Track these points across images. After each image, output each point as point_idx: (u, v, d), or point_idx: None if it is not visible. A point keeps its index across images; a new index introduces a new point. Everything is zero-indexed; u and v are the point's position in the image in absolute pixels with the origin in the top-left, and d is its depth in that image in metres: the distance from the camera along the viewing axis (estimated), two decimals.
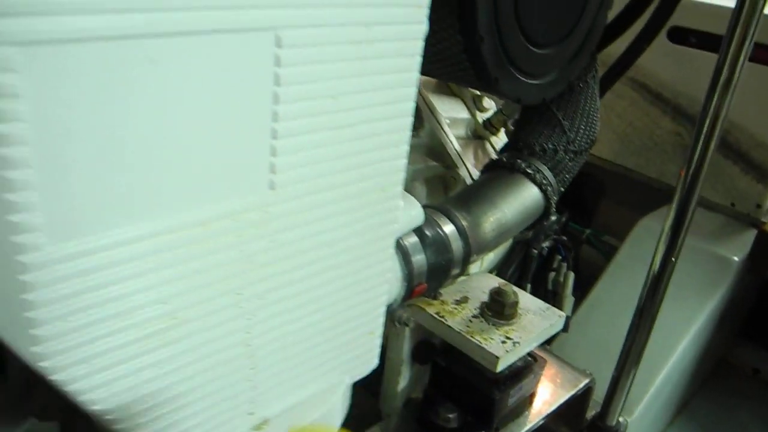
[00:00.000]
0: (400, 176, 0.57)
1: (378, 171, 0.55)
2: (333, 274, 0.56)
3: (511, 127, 1.23)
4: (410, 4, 0.50)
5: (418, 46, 0.53)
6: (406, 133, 0.56)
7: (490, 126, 1.24)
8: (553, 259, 1.32)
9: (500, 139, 1.25)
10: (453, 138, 1.14)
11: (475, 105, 1.25)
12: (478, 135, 1.25)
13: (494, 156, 1.21)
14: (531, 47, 0.80)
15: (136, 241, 0.42)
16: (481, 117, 1.25)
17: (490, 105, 1.28)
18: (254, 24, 0.42)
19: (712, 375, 1.53)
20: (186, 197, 0.44)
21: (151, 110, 0.39)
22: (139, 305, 0.44)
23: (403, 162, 0.57)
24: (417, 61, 0.53)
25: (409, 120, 0.55)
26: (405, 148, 0.56)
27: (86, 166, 0.38)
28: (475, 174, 1.12)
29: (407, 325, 0.86)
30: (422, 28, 0.52)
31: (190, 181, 0.43)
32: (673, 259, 0.94)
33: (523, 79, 0.81)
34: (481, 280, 0.99)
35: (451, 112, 1.21)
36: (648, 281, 0.96)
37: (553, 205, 0.90)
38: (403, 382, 1.02)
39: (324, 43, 0.46)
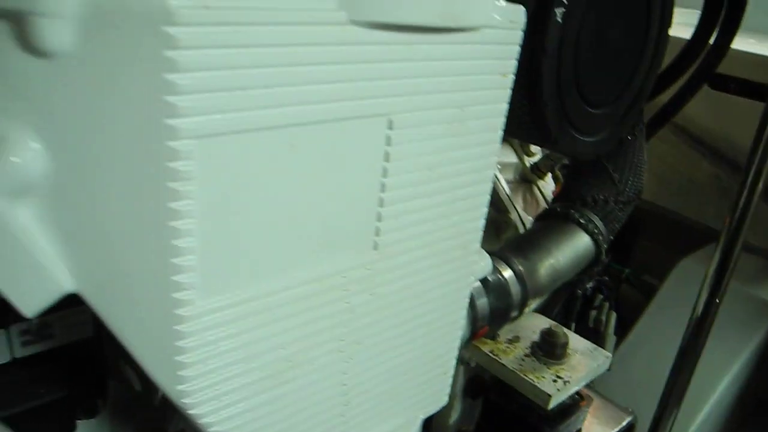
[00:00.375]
0: (480, 234, 0.64)
1: (462, 231, 0.61)
2: (419, 321, 0.62)
3: (558, 172, 1.29)
4: (497, 86, 0.57)
5: (501, 121, 0.60)
6: (487, 196, 0.62)
7: (538, 170, 1.30)
8: (595, 298, 1.38)
9: (547, 183, 1.31)
10: (504, 182, 1.20)
11: (522, 150, 1.32)
12: (525, 179, 1.31)
13: (540, 199, 1.27)
14: (587, 108, 0.87)
15: (267, 295, 0.49)
16: (528, 161, 1.31)
17: (536, 150, 1.34)
18: (373, 111, 0.49)
19: (753, 415, 1.56)
20: (307, 258, 0.51)
21: (287, 186, 0.46)
22: (264, 350, 0.51)
23: (483, 222, 0.63)
24: (500, 134, 0.60)
25: (490, 184, 0.62)
26: (485, 210, 0.63)
27: (235, 234, 0.45)
28: (525, 218, 1.18)
29: (469, 364, 0.92)
30: (505, 106, 0.59)
31: (311, 244, 0.50)
32: (717, 301, 0.99)
33: (579, 137, 0.87)
34: (531, 320, 1.05)
35: (501, 157, 1.27)
36: (691, 323, 1.01)
37: (604, 252, 0.96)
38: (454, 415, 1.08)
39: (426, 123, 0.53)
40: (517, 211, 1.18)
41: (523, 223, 1.18)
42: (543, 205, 1.29)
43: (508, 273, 0.88)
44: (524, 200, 1.27)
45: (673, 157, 1.66)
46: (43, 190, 0.41)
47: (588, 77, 0.83)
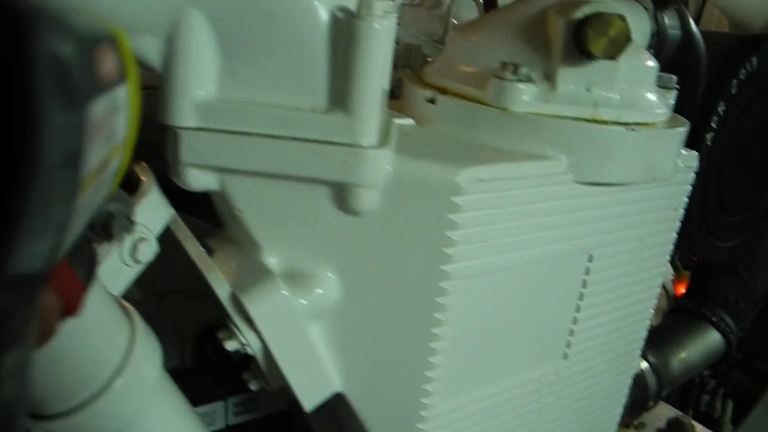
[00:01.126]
0: (644, 335, 0.72)
1: (631, 340, 0.70)
2: (589, 416, 0.70)
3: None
4: (671, 219, 0.66)
5: (671, 247, 0.68)
6: (654, 301, 0.71)
7: None
8: (708, 382, 1.41)
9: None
10: None
11: None
12: None
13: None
14: (726, 216, 0.94)
15: (486, 398, 0.58)
16: None
17: None
18: (581, 248, 0.58)
19: None
20: (515, 368, 0.60)
21: (511, 311, 0.56)
22: None
23: (648, 324, 0.71)
24: (668, 257, 0.69)
25: (656, 298, 0.70)
26: (650, 320, 0.71)
27: (471, 350, 0.55)
28: None
29: None
30: (674, 235, 0.68)
31: (520, 357, 0.60)
32: None
33: (717, 243, 0.95)
34: (656, 408, 1.11)
35: None
36: None
37: (734, 349, 1.01)
38: None
39: (615, 255, 0.62)
40: None
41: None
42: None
43: (644, 365, 0.95)
44: None
45: None
46: (332, 312, 0.51)
47: (728, 189, 0.91)
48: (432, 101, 0.57)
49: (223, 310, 0.49)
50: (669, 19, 0.73)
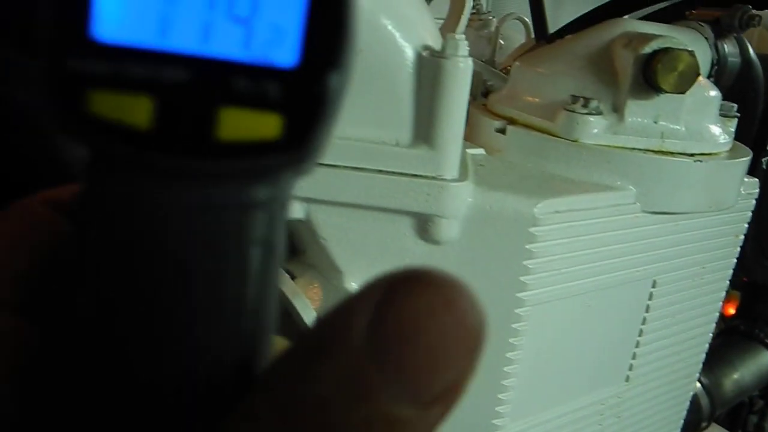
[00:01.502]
0: (702, 358, 0.73)
1: (690, 363, 0.71)
2: (649, 430, 0.72)
3: None
4: (731, 245, 0.67)
5: (730, 272, 0.69)
6: (713, 325, 0.72)
7: None
8: (756, 402, 1.41)
9: None
10: None
11: None
12: None
13: None
14: None
15: (551, 420, 0.60)
16: None
17: None
18: (645, 275, 0.60)
19: None
20: (580, 390, 0.61)
21: (578, 335, 0.58)
22: None
23: (706, 347, 0.73)
24: (728, 282, 0.70)
25: (717, 314, 0.72)
26: (710, 336, 0.72)
27: (539, 373, 0.57)
28: None
29: None
30: (734, 260, 0.69)
31: (584, 379, 0.61)
32: None
33: None
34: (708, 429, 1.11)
35: None
36: None
37: None
38: None
39: (678, 281, 0.63)
40: None
41: None
42: None
43: (697, 386, 0.95)
44: None
45: None
46: None
47: None
48: (502, 131, 0.59)
49: None
50: (729, 47, 0.74)
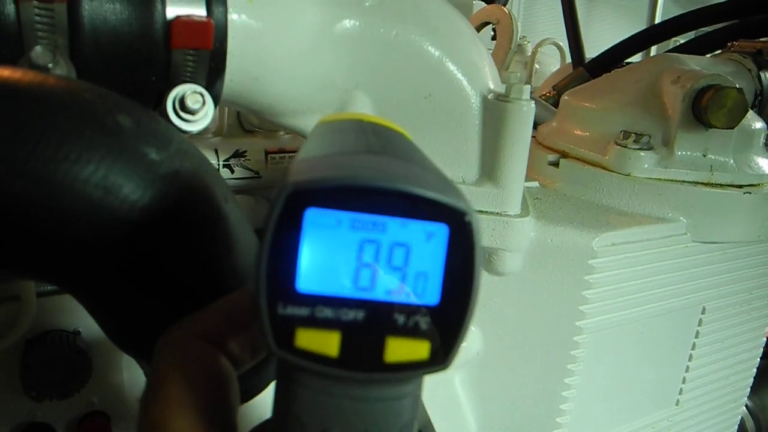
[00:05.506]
0: (750, 381, 0.75)
1: (738, 387, 0.73)
2: None
3: None
4: None
5: None
6: (761, 349, 0.73)
7: None
8: None
9: None
10: None
11: None
12: None
13: None
14: None
15: None
16: None
17: None
18: (695, 302, 0.62)
19: None
20: (632, 412, 0.64)
21: (631, 361, 0.60)
22: None
23: (754, 370, 0.74)
24: None
25: (764, 339, 0.73)
26: (758, 360, 0.74)
27: (595, 396, 0.59)
28: None
29: None
30: None
31: (637, 403, 0.63)
32: None
33: None
34: None
35: None
36: None
37: None
38: None
39: (726, 308, 0.65)
40: None
41: None
42: None
43: (743, 409, 0.96)
44: None
45: None
46: (473, 362, 0.56)
47: None
48: (555, 164, 0.62)
49: None
50: None
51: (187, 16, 0.40)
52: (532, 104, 0.49)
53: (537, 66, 1.37)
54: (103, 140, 0.29)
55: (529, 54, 1.40)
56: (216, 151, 0.63)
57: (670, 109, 0.60)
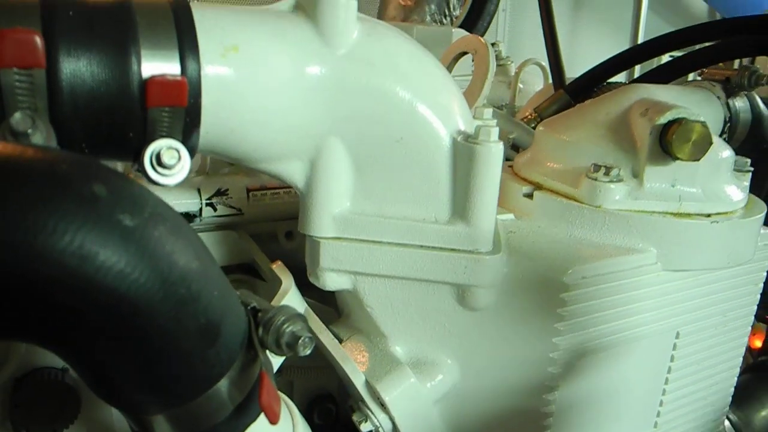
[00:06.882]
0: (729, 400, 0.76)
1: (717, 404, 0.74)
2: None
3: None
4: (752, 294, 0.71)
5: (752, 318, 0.73)
6: (738, 368, 0.75)
7: None
8: None
9: None
10: None
11: None
12: None
13: None
14: None
15: None
16: None
17: None
18: (668, 327, 0.63)
19: None
20: None
21: (610, 384, 0.62)
22: None
23: (732, 389, 0.76)
24: (750, 328, 0.73)
25: (740, 359, 0.75)
26: (735, 379, 0.75)
27: (573, 421, 0.61)
28: None
29: None
30: (755, 307, 0.72)
31: (614, 426, 0.65)
32: None
33: None
34: None
35: None
36: None
37: None
38: None
39: (700, 331, 0.67)
40: None
41: None
42: None
43: (726, 424, 0.98)
44: None
45: None
46: (450, 394, 0.58)
47: None
48: (529, 196, 0.64)
49: (357, 395, 0.56)
50: (740, 103, 0.79)
51: (162, 75, 0.42)
52: (500, 146, 0.51)
53: (521, 86, 1.39)
54: (79, 210, 0.31)
55: (513, 74, 1.42)
56: (199, 191, 0.64)
57: (639, 141, 0.61)
